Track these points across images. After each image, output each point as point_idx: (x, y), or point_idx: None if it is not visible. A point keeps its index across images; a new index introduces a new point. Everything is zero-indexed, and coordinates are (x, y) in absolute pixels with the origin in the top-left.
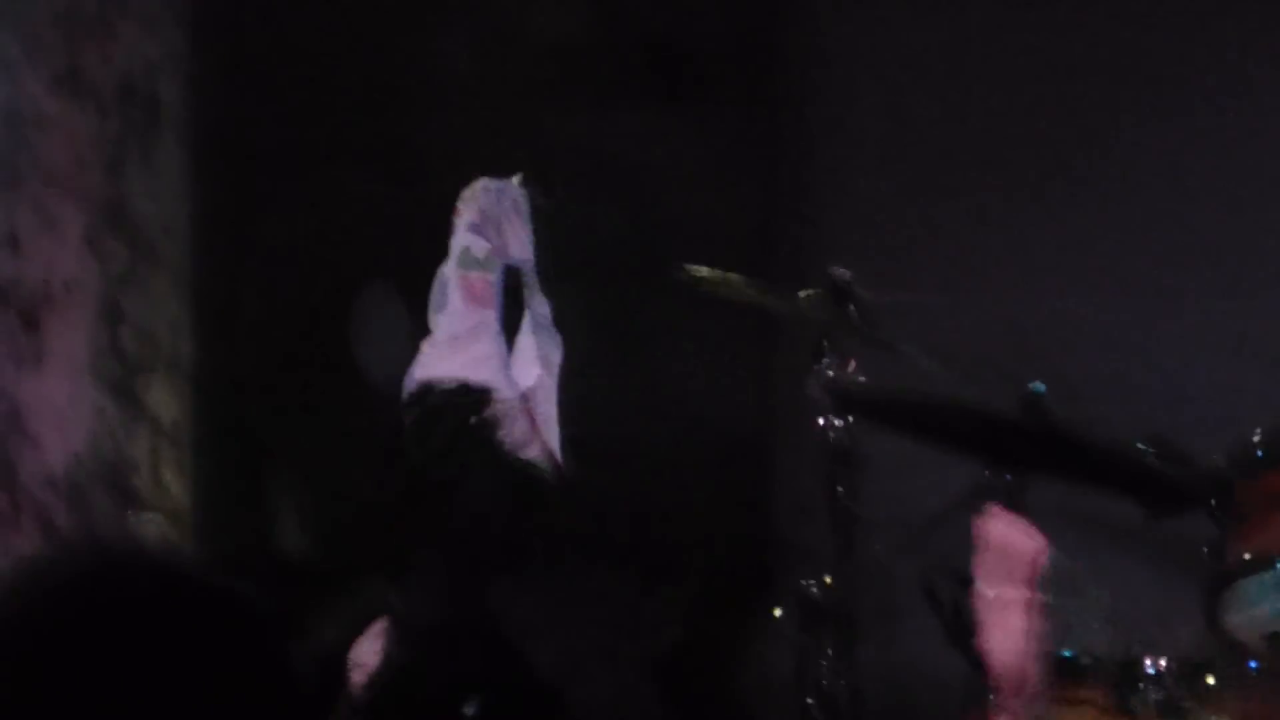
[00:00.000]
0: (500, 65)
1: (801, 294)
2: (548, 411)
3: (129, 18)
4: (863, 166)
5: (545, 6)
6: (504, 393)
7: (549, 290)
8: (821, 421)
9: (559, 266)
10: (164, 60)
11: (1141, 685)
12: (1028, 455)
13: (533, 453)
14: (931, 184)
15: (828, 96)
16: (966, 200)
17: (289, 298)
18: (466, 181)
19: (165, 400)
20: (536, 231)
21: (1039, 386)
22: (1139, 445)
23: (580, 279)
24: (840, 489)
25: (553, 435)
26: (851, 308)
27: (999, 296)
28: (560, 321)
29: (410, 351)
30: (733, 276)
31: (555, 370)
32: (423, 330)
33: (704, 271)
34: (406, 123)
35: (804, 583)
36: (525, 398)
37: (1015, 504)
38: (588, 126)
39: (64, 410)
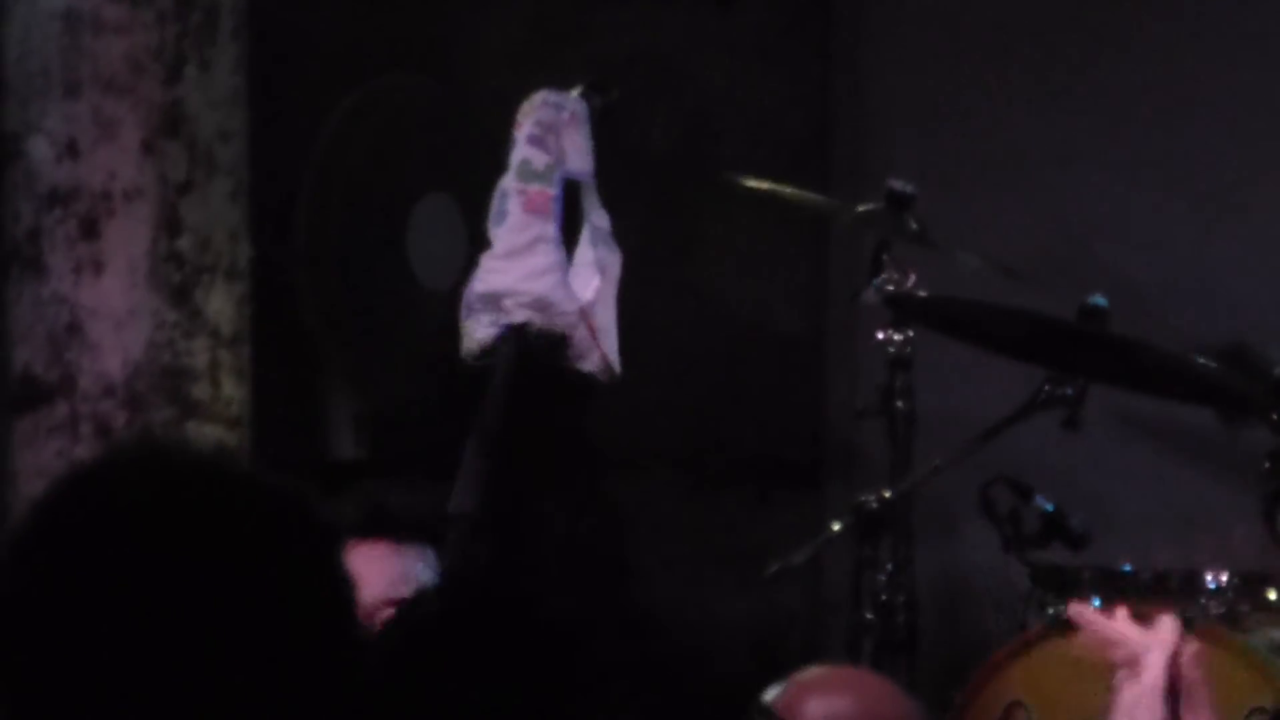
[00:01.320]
0: None
1: (860, 207)
2: (607, 323)
3: None
4: (917, 69)
5: None
6: (563, 304)
7: (607, 201)
8: (880, 332)
9: (614, 173)
10: None
11: (1202, 599)
12: (1087, 363)
13: (591, 364)
14: (988, 87)
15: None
16: (1025, 103)
17: (347, 205)
18: (519, 85)
19: (224, 308)
20: (595, 142)
21: (1100, 300)
22: (1200, 355)
23: (634, 186)
24: (898, 399)
25: (611, 346)
26: (910, 219)
27: (1059, 201)
28: (617, 231)
29: (464, 259)
30: (790, 189)
31: (615, 282)
32: (479, 239)
33: (759, 182)
34: (458, 24)
35: (861, 494)
36: (584, 310)
37: (1073, 413)
38: (637, 28)
39: (123, 318)
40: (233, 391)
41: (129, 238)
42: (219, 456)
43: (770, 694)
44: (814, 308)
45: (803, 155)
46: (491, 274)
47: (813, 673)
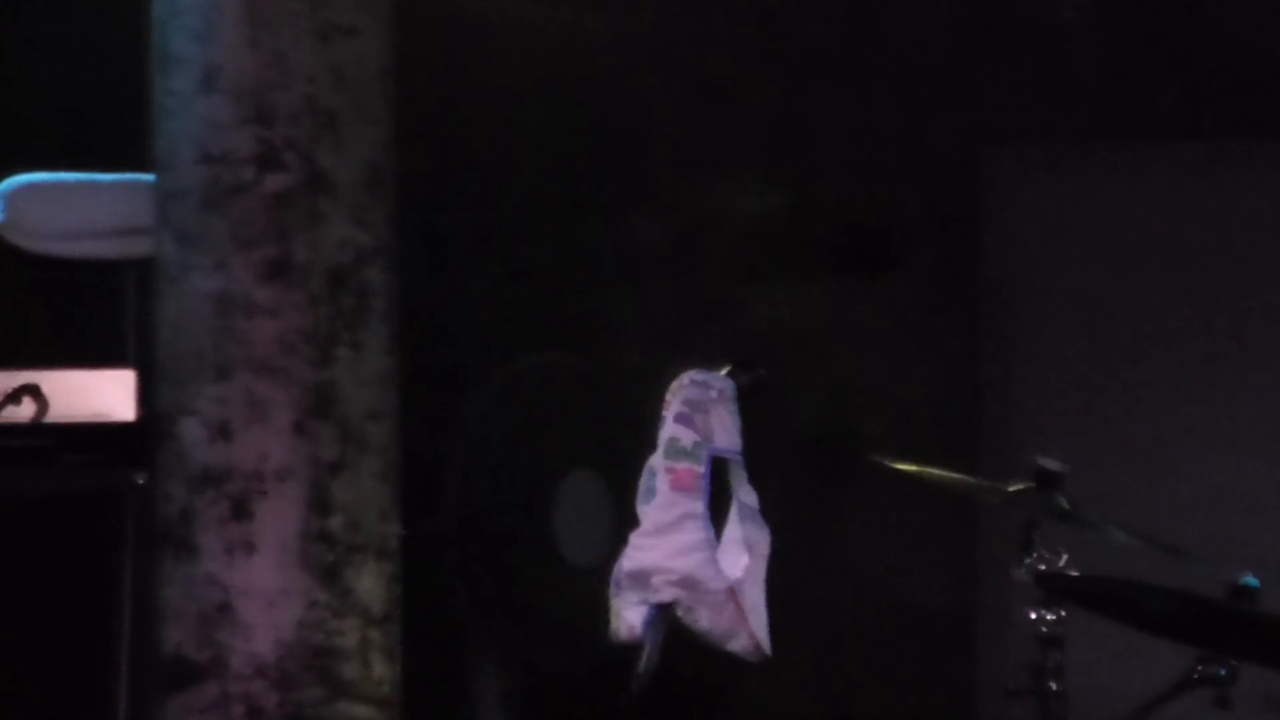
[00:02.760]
0: (697, 245)
1: (1011, 487)
2: (756, 601)
3: (338, 205)
4: (1062, 346)
5: (742, 186)
6: (711, 582)
7: (755, 477)
8: (1032, 613)
9: (762, 449)
10: (373, 249)
11: None
12: (1239, 644)
13: (740, 642)
14: (1132, 362)
15: (1024, 275)
16: (1170, 378)
17: (493, 482)
18: (666, 361)
19: (374, 587)
20: (743, 419)
21: (1252, 580)
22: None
23: (780, 461)
24: (1050, 678)
25: (761, 625)
26: (1061, 497)
27: (1204, 478)
28: (766, 507)
29: (611, 535)
30: (939, 471)
31: (764, 560)
32: (626, 516)
33: (906, 463)
34: (605, 303)
35: None
36: (733, 588)
37: (1225, 693)
38: (785, 305)
39: (274, 598)
40: (383, 671)
41: (280, 518)
42: None
43: None
44: (964, 584)
45: (950, 432)
46: (640, 551)
47: None
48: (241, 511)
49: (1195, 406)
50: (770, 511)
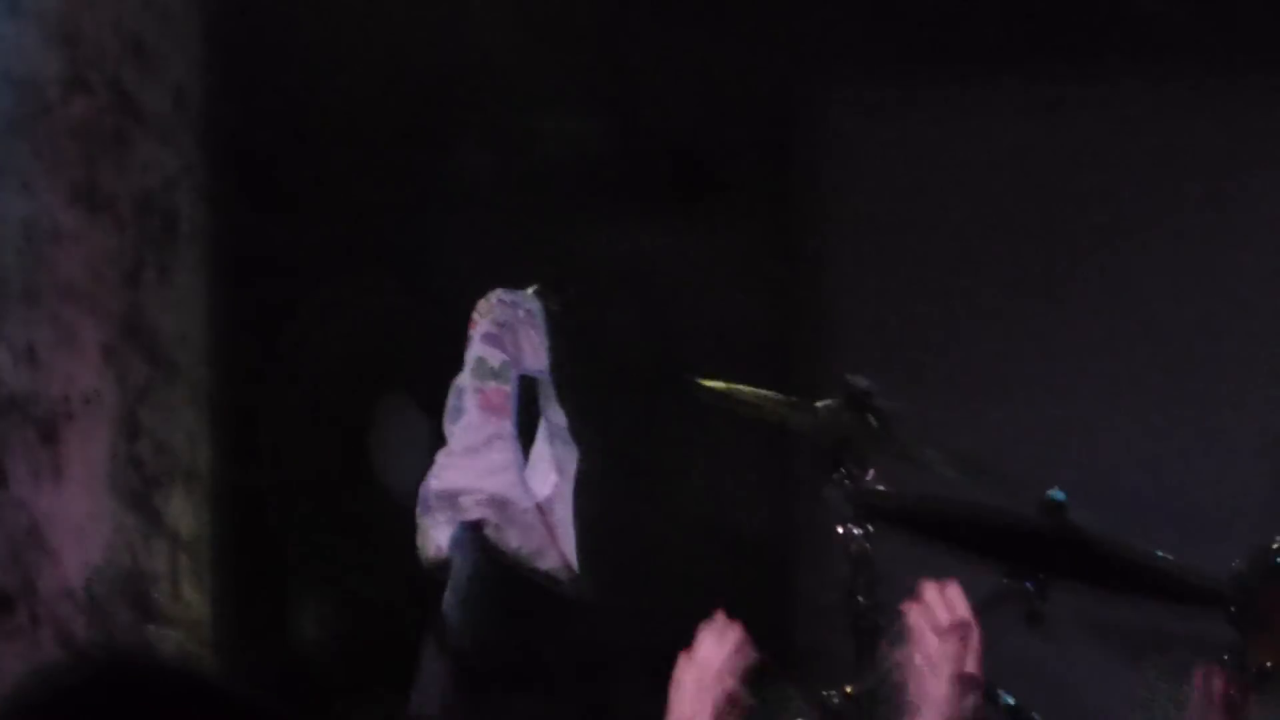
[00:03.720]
0: (520, 174)
1: (819, 403)
2: (564, 519)
3: (146, 132)
4: (880, 273)
5: (564, 116)
6: (520, 501)
7: (564, 400)
8: (840, 530)
9: (577, 374)
10: (181, 173)
11: None
12: (1047, 561)
13: (549, 561)
14: (949, 290)
15: (844, 204)
16: (985, 306)
17: (307, 408)
18: (486, 290)
19: (184, 512)
20: (552, 341)
21: (1058, 494)
22: (1158, 552)
23: (598, 387)
24: (860, 597)
25: (569, 543)
26: (870, 416)
27: (1017, 402)
28: (577, 430)
29: (426, 460)
30: (748, 388)
31: (571, 479)
32: (439, 440)
33: (719, 384)
34: (425, 232)
35: (825, 692)
36: (541, 507)
37: (1035, 608)
38: (606, 234)
39: (82, 523)
40: (192, 594)
41: (88, 443)
42: (183, 665)
43: None
44: (783, 506)
45: (769, 355)
46: (448, 471)
47: None
48: (49, 437)
49: (1016, 331)
50: (587, 435)
